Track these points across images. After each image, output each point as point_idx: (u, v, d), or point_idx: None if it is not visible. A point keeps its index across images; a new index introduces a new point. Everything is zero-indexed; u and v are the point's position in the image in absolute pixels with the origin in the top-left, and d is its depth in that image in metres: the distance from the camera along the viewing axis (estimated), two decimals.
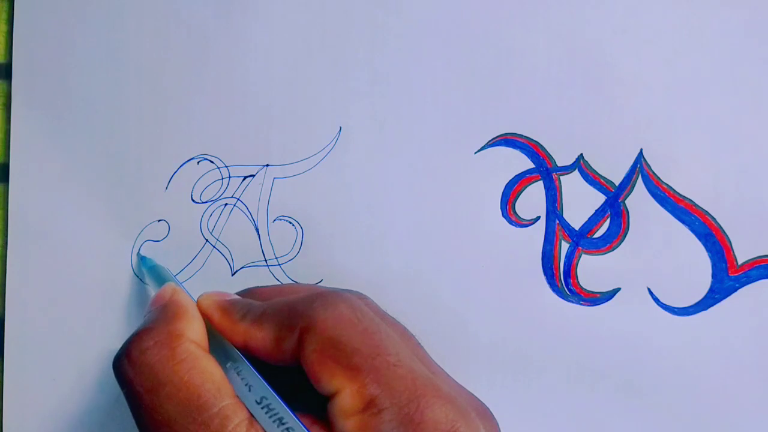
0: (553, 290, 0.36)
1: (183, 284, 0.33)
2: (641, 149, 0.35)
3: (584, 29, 0.36)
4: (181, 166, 0.37)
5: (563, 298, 0.36)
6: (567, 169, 0.36)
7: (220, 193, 0.36)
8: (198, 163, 0.37)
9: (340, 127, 0.36)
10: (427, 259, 0.36)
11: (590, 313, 0.36)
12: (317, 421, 0.27)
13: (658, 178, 0.35)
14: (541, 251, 0.36)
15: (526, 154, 0.36)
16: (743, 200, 0.35)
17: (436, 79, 0.36)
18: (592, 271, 0.36)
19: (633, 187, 0.35)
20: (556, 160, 0.36)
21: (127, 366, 0.27)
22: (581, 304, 0.36)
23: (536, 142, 0.36)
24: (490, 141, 0.36)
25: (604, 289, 0.36)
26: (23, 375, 0.37)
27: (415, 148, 0.36)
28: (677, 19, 0.35)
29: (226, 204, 0.37)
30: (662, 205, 0.35)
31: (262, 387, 0.27)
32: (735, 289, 0.35)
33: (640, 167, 0.35)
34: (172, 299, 0.30)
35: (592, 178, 0.36)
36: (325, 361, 0.27)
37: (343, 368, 0.26)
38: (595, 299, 0.36)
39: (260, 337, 0.29)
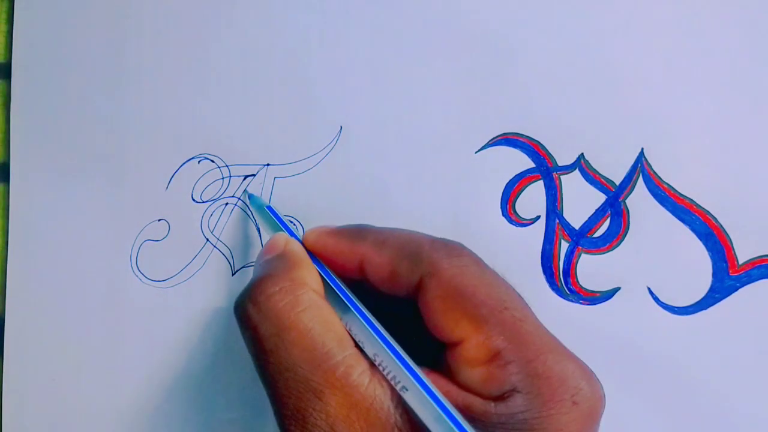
0: (553, 289, 0.36)
1: (291, 230, 0.33)
2: (642, 149, 0.35)
3: (584, 29, 0.36)
4: (181, 165, 0.37)
5: (563, 297, 0.36)
6: (567, 169, 0.36)
7: (221, 192, 0.36)
8: (198, 162, 0.37)
9: (341, 127, 0.36)
10: None
11: (590, 313, 0.36)
12: (431, 371, 0.27)
13: (659, 177, 0.35)
14: (540, 250, 0.36)
15: (526, 154, 0.36)
16: (744, 200, 0.35)
17: (436, 79, 0.36)
18: (591, 270, 0.36)
19: (633, 187, 0.35)
20: (556, 160, 0.36)
21: (252, 309, 0.28)
22: (581, 303, 0.36)
23: (537, 141, 0.36)
24: (490, 140, 0.36)
25: (603, 289, 0.36)
26: (23, 375, 0.37)
27: (415, 147, 0.36)
28: (677, 19, 0.35)
29: (226, 203, 0.37)
30: (663, 204, 0.35)
31: (374, 343, 0.27)
32: (735, 289, 0.35)
33: (640, 167, 0.35)
34: (288, 249, 0.31)
35: (593, 177, 0.36)
36: (449, 309, 0.27)
37: (469, 318, 0.27)
38: (594, 298, 0.36)
39: (378, 262, 0.29)
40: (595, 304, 0.36)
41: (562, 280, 0.36)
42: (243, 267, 0.37)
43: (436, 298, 0.27)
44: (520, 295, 0.29)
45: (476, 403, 0.26)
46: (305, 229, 0.36)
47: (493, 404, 0.25)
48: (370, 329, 0.27)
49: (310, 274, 0.29)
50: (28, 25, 0.37)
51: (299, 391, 0.26)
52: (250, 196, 0.36)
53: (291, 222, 0.36)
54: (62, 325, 0.37)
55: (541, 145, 0.36)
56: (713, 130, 0.35)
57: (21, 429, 0.37)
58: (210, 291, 0.37)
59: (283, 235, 0.32)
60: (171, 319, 0.37)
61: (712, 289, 0.35)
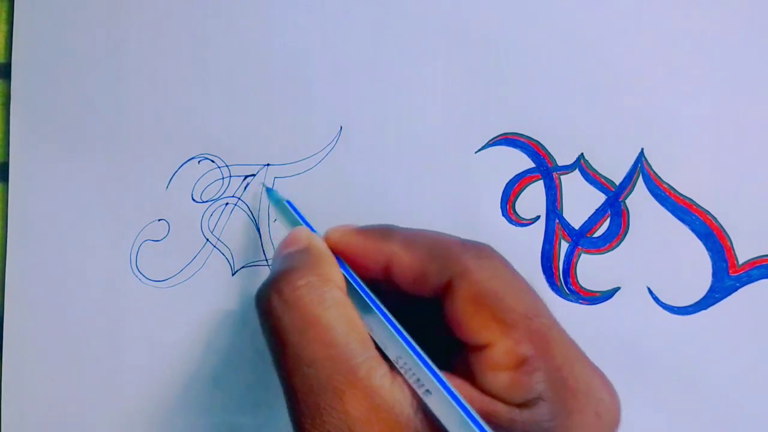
0: (553, 289, 0.36)
1: (310, 224, 0.32)
2: (642, 149, 0.35)
3: (584, 29, 0.36)
4: (181, 165, 0.37)
5: (562, 297, 0.36)
6: (567, 169, 0.36)
7: (221, 192, 0.36)
8: (199, 162, 0.37)
9: (341, 127, 0.36)
10: None
11: (589, 312, 0.36)
12: (452, 375, 0.27)
13: (659, 177, 0.35)
14: (540, 250, 0.36)
15: (526, 154, 0.36)
16: (744, 200, 0.35)
17: (436, 79, 0.36)
18: (591, 270, 0.36)
19: (633, 187, 0.35)
20: (556, 160, 0.36)
21: (276, 300, 0.27)
22: (580, 303, 0.36)
23: (537, 141, 0.36)
24: (490, 140, 0.36)
25: (603, 288, 0.36)
26: (22, 375, 0.37)
27: (415, 147, 0.36)
28: (677, 19, 0.35)
29: (226, 203, 0.37)
30: (663, 204, 0.35)
31: (397, 345, 0.26)
32: (735, 289, 0.35)
33: (640, 167, 0.35)
34: (312, 244, 0.30)
35: (593, 177, 0.36)
36: (478, 312, 0.27)
37: (498, 322, 0.26)
38: (594, 298, 0.36)
39: (406, 261, 0.28)
40: (595, 304, 0.36)
41: (562, 280, 0.36)
42: (243, 267, 0.37)
43: (465, 300, 0.27)
44: (545, 303, 0.29)
45: (501, 409, 0.25)
46: None
47: (518, 411, 0.25)
48: (393, 331, 0.27)
49: (334, 272, 0.28)
50: (28, 25, 0.37)
51: (319, 389, 0.25)
52: (268, 190, 0.36)
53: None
54: (62, 325, 0.37)
55: (541, 145, 0.36)
56: (713, 130, 0.35)
57: (21, 429, 0.37)
58: (210, 291, 0.37)
59: (305, 230, 0.31)
60: (171, 319, 0.37)
61: (712, 289, 0.35)
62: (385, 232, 0.30)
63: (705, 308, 0.35)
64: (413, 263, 0.28)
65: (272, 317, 0.27)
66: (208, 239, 0.36)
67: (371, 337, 0.27)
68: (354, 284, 0.29)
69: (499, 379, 0.26)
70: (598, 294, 0.36)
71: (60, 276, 0.37)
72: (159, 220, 0.37)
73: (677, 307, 0.35)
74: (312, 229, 0.31)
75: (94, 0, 0.37)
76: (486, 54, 0.36)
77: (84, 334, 0.37)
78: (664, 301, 0.35)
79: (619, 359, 0.36)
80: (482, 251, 0.28)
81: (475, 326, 0.27)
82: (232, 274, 0.37)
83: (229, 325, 0.37)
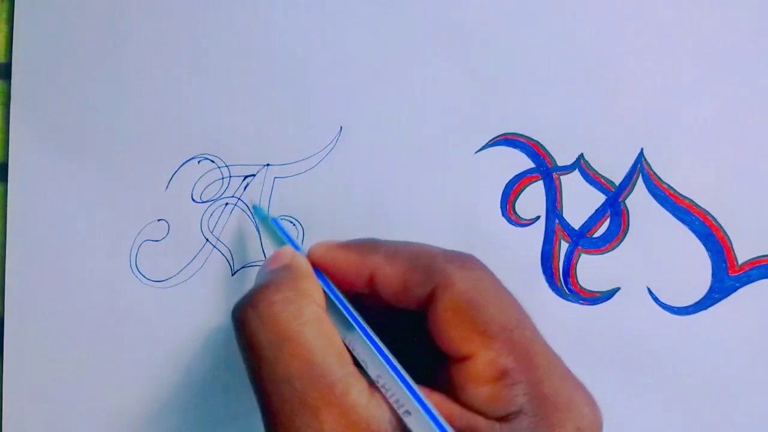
0: (552, 289, 0.36)
1: (296, 244, 0.32)
2: (642, 149, 0.35)
3: (584, 29, 0.36)
4: (181, 165, 0.37)
5: (562, 298, 0.36)
6: (567, 169, 0.36)
7: (221, 192, 0.36)
8: (198, 162, 0.37)
9: (341, 127, 0.36)
10: None
11: (589, 313, 0.36)
12: (433, 390, 0.26)
13: (659, 177, 0.35)
14: (540, 251, 0.36)
15: (526, 154, 0.36)
16: (743, 200, 0.35)
17: (436, 79, 0.36)
18: (591, 270, 0.36)
19: (633, 187, 0.35)
20: (556, 160, 0.36)
21: (252, 315, 0.26)
22: (580, 304, 0.36)
23: (536, 141, 0.36)
24: (490, 141, 0.36)
25: (603, 289, 0.36)
26: (23, 375, 0.37)
27: (415, 148, 0.36)
28: (677, 19, 0.35)
29: (226, 203, 0.37)
30: (662, 204, 0.35)
31: (378, 363, 0.26)
32: (735, 289, 0.35)
33: (640, 167, 0.35)
34: (294, 261, 0.30)
35: (593, 177, 0.36)
36: (460, 323, 0.26)
37: (479, 334, 0.26)
38: (594, 298, 0.36)
39: (390, 273, 0.28)
40: (595, 304, 0.36)
41: (561, 280, 0.36)
42: (243, 267, 0.37)
43: (447, 311, 0.27)
44: (528, 315, 0.29)
45: (481, 423, 0.25)
46: (305, 230, 0.36)
47: (498, 425, 0.25)
48: (373, 349, 0.26)
49: (314, 287, 0.28)
50: (28, 25, 0.37)
51: (294, 406, 0.25)
52: (255, 208, 0.36)
53: (291, 222, 0.36)
54: (62, 325, 0.37)
55: (541, 145, 0.36)
56: (713, 130, 0.35)
57: (21, 429, 0.37)
58: (209, 291, 0.37)
59: (289, 249, 0.31)
60: (170, 319, 0.37)
61: (711, 289, 0.35)
62: (368, 246, 0.29)
63: (705, 308, 0.35)
64: (396, 275, 0.28)
65: (247, 333, 0.26)
66: (207, 239, 0.36)
67: (351, 353, 0.27)
68: (334, 300, 0.28)
69: (480, 392, 0.26)
70: (598, 294, 0.36)
71: (60, 276, 0.37)
72: (159, 220, 0.37)
73: (677, 307, 0.35)
74: (297, 247, 0.31)
75: (94, 0, 0.37)
76: (486, 54, 0.36)
77: (84, 334, 0.37)
78: (664, 301, 0.35)
79: (619, 359, 0.36)
80: (466, 262, 0.28)
81: (456, 337, 0.26)
82: (232, 274, 0.37)
83: (228, 326, 0.36)
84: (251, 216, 0.36)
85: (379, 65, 0.36)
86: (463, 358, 0.26)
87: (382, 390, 0.26)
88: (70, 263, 0.37)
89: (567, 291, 0.36)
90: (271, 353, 0.26)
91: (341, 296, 0.29)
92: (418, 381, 0.26)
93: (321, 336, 0.26)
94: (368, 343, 0.27)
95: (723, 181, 0.35)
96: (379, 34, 0.36)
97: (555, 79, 0.36)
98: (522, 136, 0.36)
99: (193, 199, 0.37)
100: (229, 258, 0.37)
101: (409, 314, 0.28)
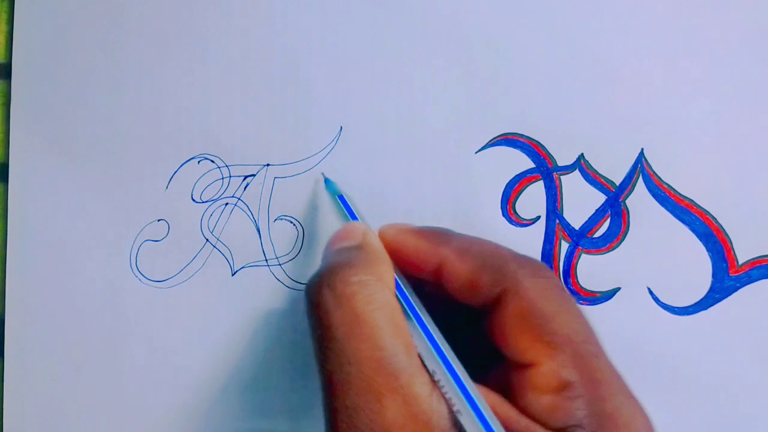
0: None
1: (366, 220, 0.32)
2: (642, 149, 0.35)
3: (584, 29, 0.36)
4: (181, 165, 0.37)
5: None
6: (567, 169, 0.36)
7: (221, 192, 0.36)
8: (198, 162, 0.37)
9: (341, 127, 0.36)
10: None
11: (590, 313, 0.36)
12: (491, 391, 0.26)
13: (659, 177, 0.35)
14: (540, 251, 0.36)
15: (526, 154, 0.36)
16: (743, 200, 0.35)
17: (436, 79, 0.36)
18: (591, 270, 0.36)
19: (633, 187, 0.35)
20: (556, 160, 0.36)
21: (328, 294, 0.26)
22: (581, 304, 0.36)
23: (537, 141, 0.36)
24: (490, 141, 0.36)
25: (603, 289, 0.36)
26: (23, 375, 0.37)
27: (415, 147, 0.36)
28: (677, 19, 0.35)
29: (226, 204, 0.37)
30: (663, 204, 0.35)
31: (435, 360, 0.26)
32: (735, 289, 0.35)
33: (640, 167, 0.35)
34: (367, 241, 0.29)
35: (593, 177, 0.36)
36: (526, 331, 0.26)
37: (545, 344, 0.26)
38: (594, 299, 0.36)
39: (460, 269, 0.28)
40: (595, 304, 0.36)
41: (562, 280, 0.36)
42: (243, 267, 0.37)
43: (514, 317, 0.26)
44: (594, 329, 0.29)
45: None
46: (305, 230, 0.36)
47: None
48: (431, 346, 0.26)
49: (387, 273, 0.28)
50: (28, 25, 0.37)
51: (359, 388, 0.25)
52: (326, 180, 0.35)
53: (291, 222, 0.36)
54: (62, 325, 0.37)
55: (541, 145, 0.36)
56: (713, 130, 0.35)
57: (22, 429, 0.37)
58: (210, 291, 0.37)
59: (361, 225, 0.30)
60: (170, 319, 0.37)
61: (712, 290, 0.35)
62: (440, 235, 0.29)
63: (705, 308, 0.35)
64: (466, 272, 0.28)
65: (321, 310, 0.26)
66: (207, 239, 0.36)
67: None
68: (403, 290, 0.28)
69: (540, 402, 0.25)
70: (598, 294, 0.36)
71: (60, 276, 0.37)
72: (159, 220, 0.37)
73: (677, 308, 0.35)
74: (366, 223, 0.31)
75: (94, 0, 0.37)
76: (486, 54, 0.36)
77: (84, 334, 0.37)
78: (664, 301, 0.35)
79: (619, 359, 0.35)
80: (537, 269, 0.28)
81: (521, 344, 0.26)
82: (232, 274, 0.37)
83: (228, 326, 0.37)
84: (251, 216, 0.36)
85: (379, 65, 0.36)
86: (525, 365, 0.26)
87: (439, 385, 0.26)
88: (70, 263, 0.37)
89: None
90: (342, 333, 0.26)
91: (409, 287, 0.29)
92: (472, 376, 0.26)
93: (392, 324, 0.26)
94: (425, 338, 0.27)
95: (723, 181, 0.35)
96: (378, 35, 0.36)
97: (555, 79, 0.36)
98: (522, 136, 0.36)
99: (193, 199, 0.37)
100: (229, 258, 0.37)
101: (471, 310, 0.28)
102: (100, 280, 0.37)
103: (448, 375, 0.25)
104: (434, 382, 0.26)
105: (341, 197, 0.34)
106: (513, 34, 0.36)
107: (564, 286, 0.28)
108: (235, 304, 0.36)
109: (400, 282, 0.28)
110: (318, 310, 0.26)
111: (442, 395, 0.25)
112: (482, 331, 0.28)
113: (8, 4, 0.37)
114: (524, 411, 0.26)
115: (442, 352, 0.26)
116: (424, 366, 0.26)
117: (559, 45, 0.36)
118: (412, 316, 0.27)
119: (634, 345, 0.35)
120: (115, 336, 0.37)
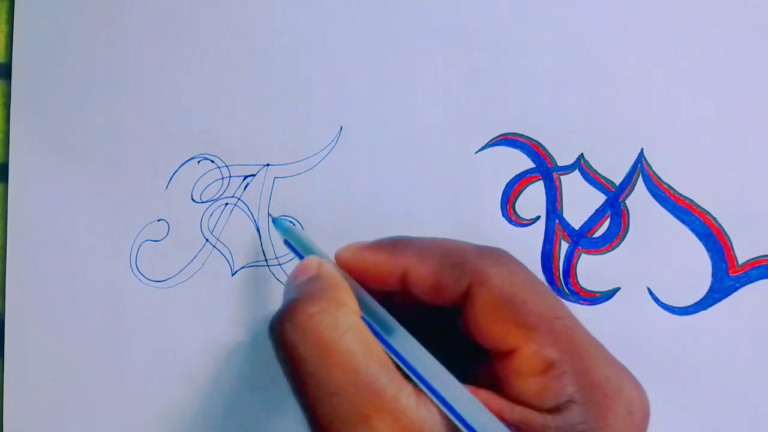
0: (553, 289, 0.36)
1: (321, 251, 0.32)
2: (642, 149, 0.35)
3: (584, 29, 0.36)
4: (181, 165, 0.37)
5: (563, 298, 0.36)
6: (567, 169, 0.36)
7: (221, 192, 0.36)
8: (198, 162, 0.37)
9: (341, 127, 0.36)
10: None
11: (590, 313, 0.36)
12: (478, 388, 0.26)
13: (659, 177, 0.35)
14: (540, 251, 0.36)
15: (526, 154, 0.36)
16: (743, 200, 0.35)
17: (436, 79, 0.36)
18: (591, 270, 0.36)
19: (633, 187, 0.35)
20: (556, 160, 0.36)
21: (291, 330, 0.26)
22: (580, 304, 0.36)
23: (537, 141, 0.36)
24: (490, 141, 0.36)
25: (603, 289, 0.36)
26: (23, 375, 0.37)
27: (415, 147, 0.36)
28: (677, 19, 0.35)
29: (226, 204, 0.37)
30: (662, 204, 0.35)
31: (409, 368, 0.26)
32: (735, 289, 0.35)
33: (640, 167, 0.35)
34: (323, 270, 0.29)
35: (593, 177, 0.36)
36: (499, 318, 0.26)
37: (520, 327, 0.26)
38: (594, 299, 0.36)
39: (422, 271, 0.28)
40: (595, 304, 0.36)
41: (562, 280, 0.36)
42: (243, 267, 0.37)
43: (485, 307, 0.26)
44: (565, 305, 0.28)
45: (534, 417, 0.25)
46: (305, 230, 0.36)
47: (550, 417, 0.25)
48: (401, 363, 0.26)
49: (347, 296, 0.28)
50: (28, 25, 0.37)
51: (344, 416, 0.25)
52: (275, 220, 0.36)
53: (291, 221, 0.36)
54: (62, 325, 0.37)
55: (541, 145, 0.36)
56: (713, 130, 0.35)
57: (22, 429, 0.37)
58: (209, 291, 0.37)
59: (315, 258, 0.30)
60: (170, 319, 0.37)
61: (711, 289, 0.35)
62: (397, 244, 0.29)
63: (705, 308, 0.35)
64: (429, 274, 0.28)
65: (288, 347, 0.26)
66: (207, 239, 0.36)
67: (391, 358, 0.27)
68: (368, 309, 0.28)
69: (528, 386, 0.25)
70: (598, 294, 0.36)
71: (60, 276, 0.37)
72: (159, 220, 0.37)
73: (677, 308, 0.35)
74: (320, 256, 0.31)
75: (94, 0, 0.37)
76: (486, 54, 0.36)
77: (84, 334, 0.37)
78: (664, 301, 0.35)
79: (619, 359, 0.35)
80: (499, 257, 0.28)
81: (498, 333, 0.26)
82: (232, 275, 0.37)
83: (228, 326, 0.37)
84: (251, 216, 0.36)
85: (379, 65, 0.36)
86: (506, 353, 0.26)
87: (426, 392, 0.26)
88: (70, 263, 0.37)
89: (567, 291, 0.36)
90: (314, 365, 0.25)
91: (374, 300, 0.28)
92: (462, 377, 0.26)
93: (362, 344, 0.26)
94: (393, 354, 0.26)
95: (723, 181, 0.35)
96: (379, 34, 0.36)
97: (555, 79, 0.36)
98: (522, 136, 0.36)
99: (193, 199, 0.37)
100: (229, 258, 0.37)
101: (443, 312, 0.28)
102: (100, 280, 0.37)
103: (424, 388, 0.25)
104: (418, 391, 0.25)
105: (286, 242, 0.33)
106: (513, 34, 0.36)
107: (527, 269, 0.28)
108: (235, 304, 0.36)
109: (362, 301, 0.28)
110: (285, 347, 0.26)
111: (430, 400, 0.25)
112: (459, 330, 0.28)
113: (8, 4, 0.37)
114: (515, 399, 0.26)
115: (412, 366, 0.26)
116: (406, 376, 0.26)
117: (559, 45, 0.36)
118: (376, 334, 0.27)
119: (634, 345, 0.35)
120: (115, 336, 0.37)
